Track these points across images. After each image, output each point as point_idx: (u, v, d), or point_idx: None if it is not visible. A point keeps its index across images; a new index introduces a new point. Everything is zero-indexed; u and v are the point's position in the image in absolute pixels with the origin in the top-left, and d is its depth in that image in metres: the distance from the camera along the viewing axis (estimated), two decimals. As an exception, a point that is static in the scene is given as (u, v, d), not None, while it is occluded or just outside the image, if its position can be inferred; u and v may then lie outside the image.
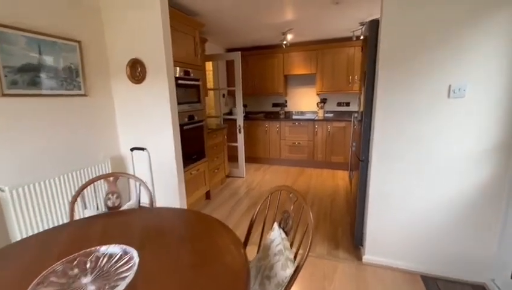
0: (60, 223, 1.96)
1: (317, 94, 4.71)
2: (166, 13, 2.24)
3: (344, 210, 2.86)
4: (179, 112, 2.56)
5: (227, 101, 5.12)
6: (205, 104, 4.16)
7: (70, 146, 2.14)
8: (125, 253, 0.92)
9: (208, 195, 3.27)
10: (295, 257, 1.09)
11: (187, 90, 2.72)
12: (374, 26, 1.78)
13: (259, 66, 4.78)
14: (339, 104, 4.75)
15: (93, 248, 0.94)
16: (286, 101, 5.09)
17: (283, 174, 4.24)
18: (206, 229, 1.21)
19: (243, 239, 1.20)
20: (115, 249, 0.93)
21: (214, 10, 2.82)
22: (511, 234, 1.57)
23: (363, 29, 3.43)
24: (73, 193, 1.83)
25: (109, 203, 1.58)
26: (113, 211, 1.51)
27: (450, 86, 1.57)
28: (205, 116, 3.05)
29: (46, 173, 1.94)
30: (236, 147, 4.04)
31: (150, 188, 2.62)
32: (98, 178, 1.59)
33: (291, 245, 1.16)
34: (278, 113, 4.99)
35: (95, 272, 0.86)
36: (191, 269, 0.91)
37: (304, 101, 4.98)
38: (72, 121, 2.14)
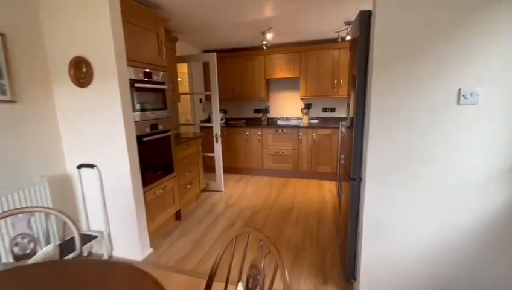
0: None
1: (302, 99, 4.41)
2: (116, 2, 1.84)
3: (332, 231, 2.53)
4: (137, 121, 2.15)
5: (206, 106, 4.72)
6: (177, 111, 3.77)
7: (-13, 166, 1.68)
8: None
9: (178, 215, 2.84)
10: None
11: (149, 95, 2.31)
12: (365, 18, 1.47)
13: (238, 69, 4.43)
14: (324, 110, 4.47)
15: None
16: (268, 107, 4.76)
17: (266, 186, 3.88)
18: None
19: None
20: None
21: (180, 3, 2.44)
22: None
23: (348, 29, 3.17)
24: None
25: (16, 250, 1.15)
26: (17, 267, 1.08)
27: (460, 89, 1.27)
28: (173, 124, 2.65)
29: None
30: (213, 157, 3.64)
31: (102, 214, 2.18)
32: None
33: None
34: (260, 119, 4.65)
35: None
36: None
37: (288, 106, 4.67)
38: (-10, 134, 1.68)
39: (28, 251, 1.16)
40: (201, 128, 4.40)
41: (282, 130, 4.12)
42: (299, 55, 4.10)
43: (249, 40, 3.92)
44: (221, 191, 3.69)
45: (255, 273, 0.88)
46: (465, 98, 1.27)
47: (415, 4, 1.26)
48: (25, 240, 1.16)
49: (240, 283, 0.91)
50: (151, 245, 2.29)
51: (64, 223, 1.18)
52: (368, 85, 1.50)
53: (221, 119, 4.66)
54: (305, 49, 4.05)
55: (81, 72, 1.93)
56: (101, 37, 1.84)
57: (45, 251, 1.22)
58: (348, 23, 3.13)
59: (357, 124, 1.59)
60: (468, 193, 1.35)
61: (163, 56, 2.46)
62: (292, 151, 4.14)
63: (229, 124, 4.57)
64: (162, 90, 2.48)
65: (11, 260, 1.17)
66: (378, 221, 1.52)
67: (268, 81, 4.55)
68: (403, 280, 1.54)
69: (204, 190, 3.66)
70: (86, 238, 2.08)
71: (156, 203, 2.42)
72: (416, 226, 1.45)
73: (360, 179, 1.62)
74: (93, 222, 2.21)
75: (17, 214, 1.17)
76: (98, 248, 2.21)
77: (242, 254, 0.95)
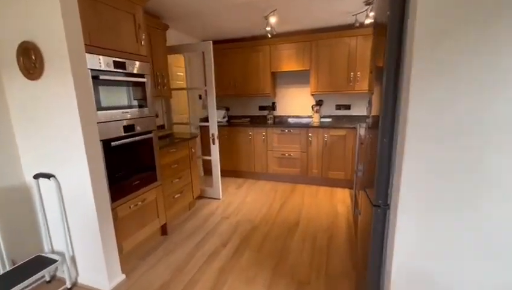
0: None
1: (312, 95, 3.91)
2: (67, -31, 1.44)
3: (346, 259, 2.05)
4: (105, 122, 1.76)
5: (206, 103, 4.31)
6: (170, 108, 3.37)
7: None
8: None
9: (164, 230, 2.45)
10: None
11: (121, 90, 1.91)
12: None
13: (241, 61, 3.97)
14: (338, 108, 3.94)
15: None
16: (275, 104, 4.29)
17: (270, 193, 3.43)
18: None
19: None
20: None
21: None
22: None
23: (369, 10, 2.64)
24: None
25: None
26: None
27: None
28: (155, 125, 2.24)
29: None
30: (210, 160, 3.23)
31: (63, 233, 1.74)
32: None
33: None
34: (266, 117, 4.19)
35: None
36: None
37: (296, 103, 4.17)
38: None
39: None
40: (200, 127, 4.01)
41: (290, 130, 3.64)
42: (309, 44, 3.58)
43: (251, 27, 3.44)
44: (219, 199, 3.27)
45: None
46: None
47: None
48: None
49: None
50: (124, 270, 1.91)
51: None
52: (400, 74, 1.02)
53: (224, 117, 4.25)
54: (316, 38, 3.53)
55: (30, 61, 1.56)
56: (49, 16, 1.44)
57: None
58: (368, 3, 2.59)
59: (384, 129, 1.11)
60: None
61: (142, 43, 2.05)
62: (300, 154, 3.65)
63: (231, 122, 4.15)
64: (141, 84, 2.08)
65: None
66: (414, 269, 1.04)
67: (274, 75, 4.07)
68: None
69: (200, 197, 3.27)
70: (44, 262, 1.72)
71: (132, 218, 2.04)
72: (480, 284, 0.96)
73: (387, 205, 1.15)
74: (57, 242, 1.86)
75: None
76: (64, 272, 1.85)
77: None
